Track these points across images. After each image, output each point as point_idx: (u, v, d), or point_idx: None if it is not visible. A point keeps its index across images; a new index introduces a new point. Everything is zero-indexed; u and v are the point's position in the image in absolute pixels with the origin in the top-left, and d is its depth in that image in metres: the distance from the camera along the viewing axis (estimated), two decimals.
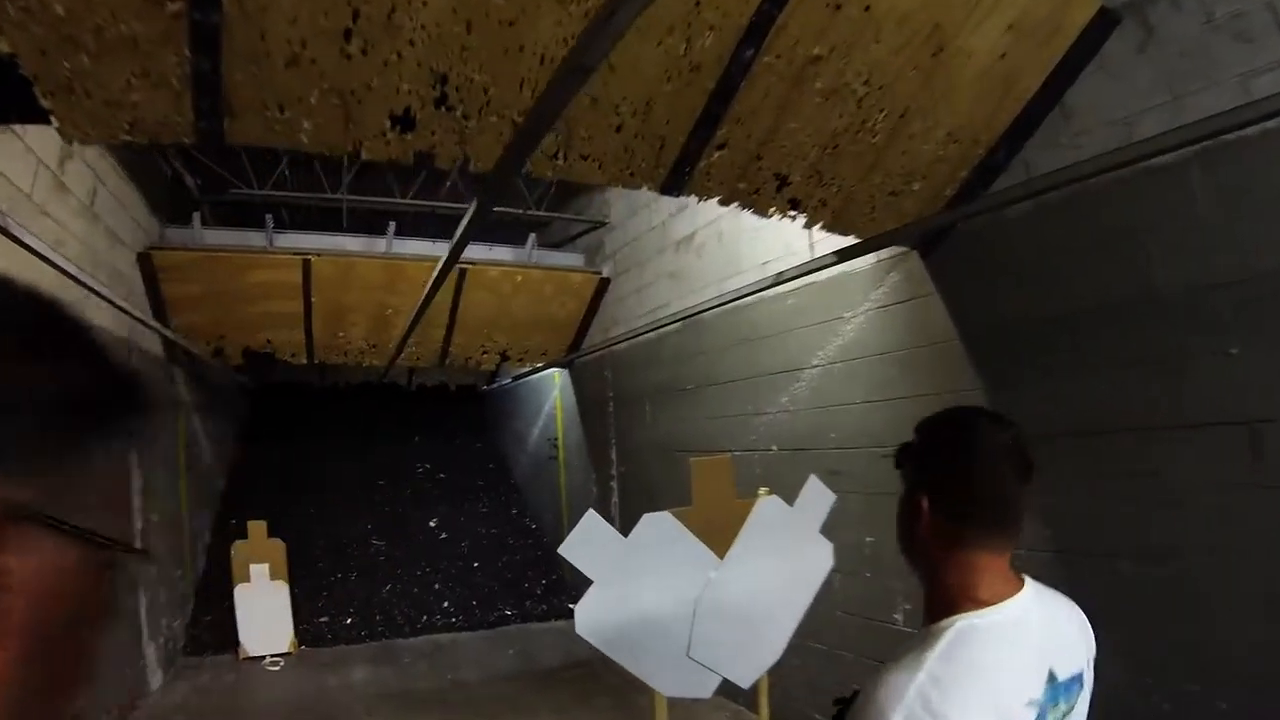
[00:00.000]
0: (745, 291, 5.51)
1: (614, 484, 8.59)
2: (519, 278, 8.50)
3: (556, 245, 9.94)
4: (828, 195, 3.63)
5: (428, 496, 11.80)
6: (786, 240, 5.52)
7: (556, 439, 10.35)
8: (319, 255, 7.84)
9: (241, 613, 8.16)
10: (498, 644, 8.52)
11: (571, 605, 3.65)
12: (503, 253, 8.74)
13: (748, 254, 6.07)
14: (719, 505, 3.78)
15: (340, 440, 12.59)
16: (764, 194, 3.57)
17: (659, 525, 3.68)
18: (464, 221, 4.00)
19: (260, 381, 12.32)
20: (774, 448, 5.79)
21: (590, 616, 3.44)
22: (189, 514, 8.96)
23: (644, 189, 3.47)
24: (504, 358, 9.42)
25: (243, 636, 8.13)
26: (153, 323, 6.45)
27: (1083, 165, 3.20)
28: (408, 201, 8.45)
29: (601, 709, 6.23)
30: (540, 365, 9.78)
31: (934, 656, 1.30)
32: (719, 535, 3.69)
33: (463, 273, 8.09)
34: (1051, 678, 1.37)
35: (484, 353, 9.25)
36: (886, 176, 3.60)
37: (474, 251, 8.42)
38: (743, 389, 6.18)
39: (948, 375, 4.26)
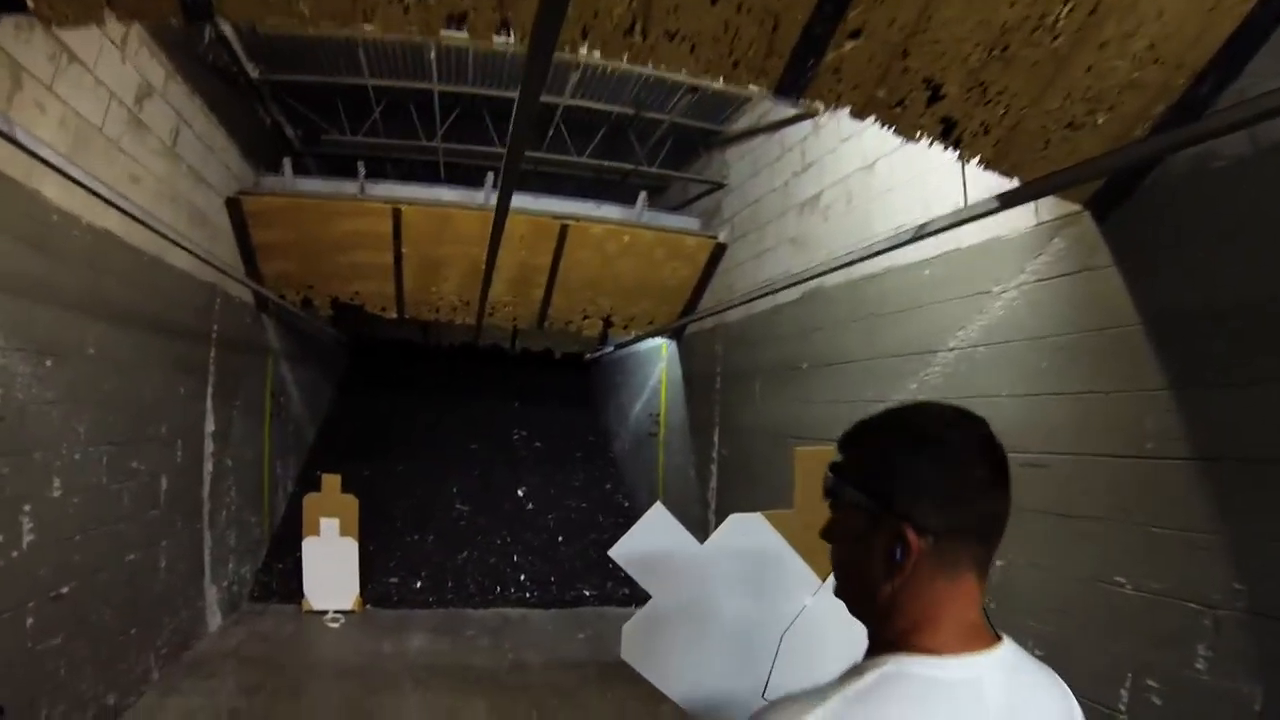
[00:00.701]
0: (874, 250, 4.56)
1: (713, 468, 7.80)
2: (626, 238, 7.79)
3: (674, 209, 9.13)
4: (991, 118, 2.76)
5: (520, 464, 11.25)
6: (926, 200, 4.59)
7: (659, 415, 9.68)
8: (411, 205, 7.34)
9: (308, 566, 7.88)
10: (570, 625, 7.92)
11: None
12: (610, 211, 8.02)
13: (880, 216, 5.15)
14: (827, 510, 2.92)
15: (437, 400, 12.16)
16: (910, 107, 2.73)
17: (747, 529, 2.95)
18: (512, 124, 3.12)
19: (359, 336, 12.06)
20: None
21: (641, 640, 2.72)
22: (272, 461, 8.67)
23: (754, 89, 2.66)
24: (608, 324, 8.70)
25: (307, 589, 7.85)
26: (226, 268, 6.05)
27: None
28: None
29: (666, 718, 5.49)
30: (646, 333, 9.01)
31: (844, 694, 1.10)
32: (824, 548, 2.84)
33: (564, 229, 7.47)
34: None
35: (585, 317, 8.56)
36: (1066, 100, 2.69)
37: (579, 207, 7.79)
38: (865, 371, 5.30)
39: (1124, 369, 3.31)
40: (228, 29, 6.13)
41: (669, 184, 9.52)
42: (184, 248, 5.22)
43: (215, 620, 7.07)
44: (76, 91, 4.45)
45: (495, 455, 11.36)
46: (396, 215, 7.30)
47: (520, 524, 9.98)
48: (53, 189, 4.28)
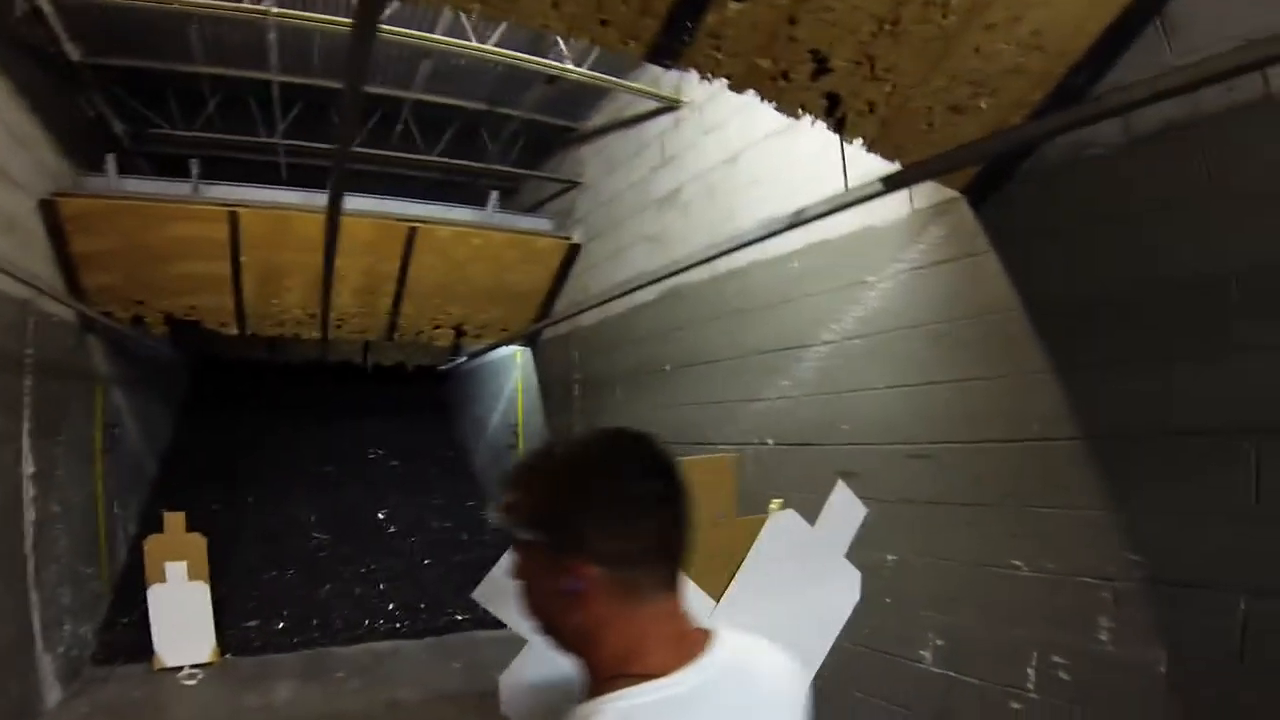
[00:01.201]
0: (744, 241, 4.45)
1: None
2: (477, 241, 7.47)
3: (528, 211, 8.81)
4: (878, 96, 2.64)
5: (379, 485, 10.68)
6: (793, 191, 4.44)
7: (516, 425, 9.42)
8: (249, 208, 6.78)
9: (156, 617, 7.03)
10: (443, 655, 7.47)
11: None
12: (460, 213, 7.67)
13: (744, 210, 5.06)
14: (715, 524, 2.67)
15: (288, 423, 11.44)
16: (795, 80, 2.57)
17: None
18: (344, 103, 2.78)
19: (200, 356, 11.26)
20: (769, 441, 4.80)
21: (520, 693, 2.51)
22: (107, 502, 7.91)
23: (625, 52, 2.43)
24: (460, 333, 8.35)
25: (157, 644, 6.94)
26: (40, 282, 5.43)
27: (1207, 65, 2.17)
28: (355, 150, 7.26)
29: None
30: (498, 341, 8.76)
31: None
32: (715, 565, 2.66)
33: (411, 233, 7.09)
34: None
35: (436, 326, 8.18)
36: (951, 80, 2.60)
37: (427, 209, 7.42)
38: (731, 370, 5.20)
39: (1004, 354, 3.30)
40: (45, 2, 5.36)
41: (522, 184, 9.22)
42: None
43: (54, 694, 6.14)
44: None
45: (351, 477, 10.75)
46: (234, 219, 6.73)
47: (383, 549, 9.45)
48: None
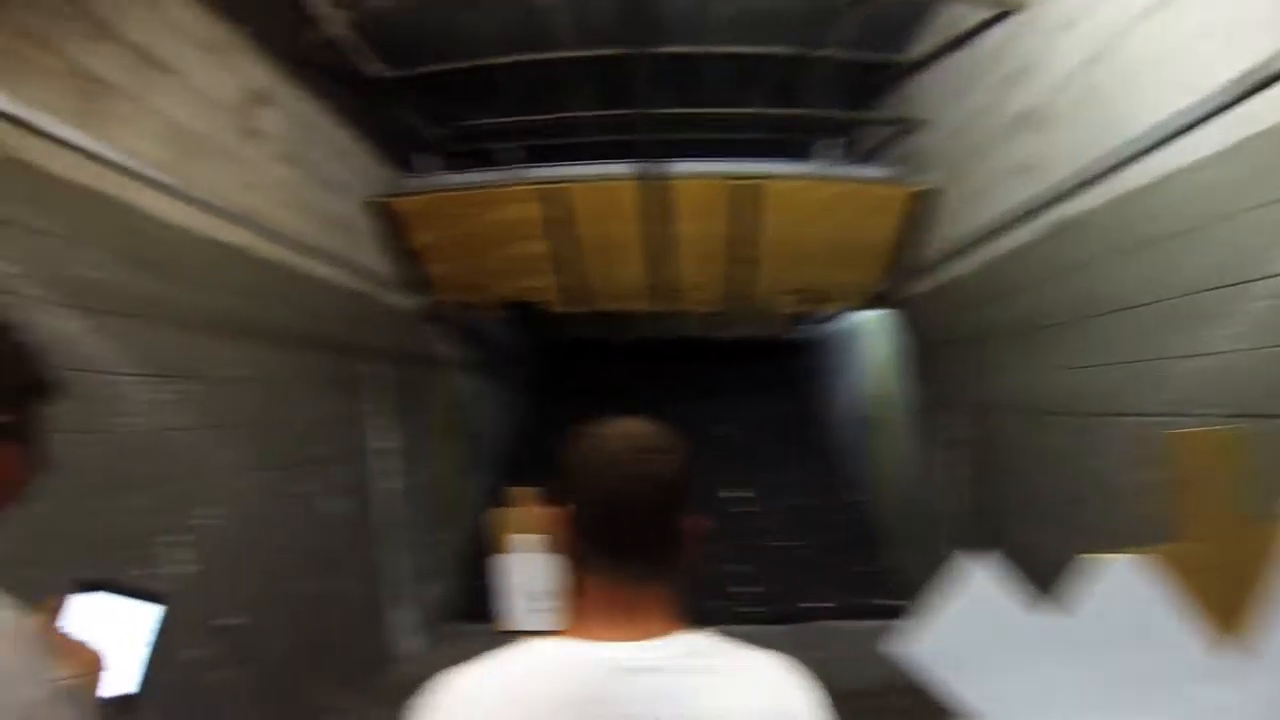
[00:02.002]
0: (1141, 147, 3.33)
1: (947, 456, 6.52)
2: (821, 194, 6.61)
3: (862, 160, 7.72)
4: None
5: (730, 464, 10.16)
6: (1188, 83, 3.12)
7: (875, 397, 8.51)
8: (572, 184, 6.52)
9: (499, 586, 7.18)
10: (800, 645, 6.72)
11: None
12: (796, 167, 6.84)
13: (1145, 108, 3.59)
14: (1220, 535, 1.72)
15: (632, 402, 11.19)
16: None
17: (1119, 584, 1.76)
18: None
19: (542, 340, 11.50)
20: (1209, 413, 3.40)
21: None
22: (458, 478, 8.15)
23: None
24: (806, 299, 7.60)
25: (500, 609, 7.11)
26: (377, 275, 5.52)
27: None
28: (671, 112, 6.67)
29: None
30: (849, 305, 7.93)
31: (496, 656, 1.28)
32: (1222, 597, 1.71)
33: (750, 192, 6.44)
34: None
35: (784, 292, 7.47)
36: None
37: (761, 166, 6.72)
38: (1144, 320, 3.84)
39: None
40: (341, 28, 5.45)
41: (852, 132, 8.05)
42: (330, 254, 4.75)
43: (404, 645, 6.56)
44: (171, 101, 3.97)
45: (702, 456, 10.16)
46: (557, 196, 6.52)
47: (739, 529, 8.96)
48: (156, 203, 3.76)
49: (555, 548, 1.33)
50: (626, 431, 1.32)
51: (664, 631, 1.24)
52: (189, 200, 3.71)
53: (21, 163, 2.99)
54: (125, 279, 3.56)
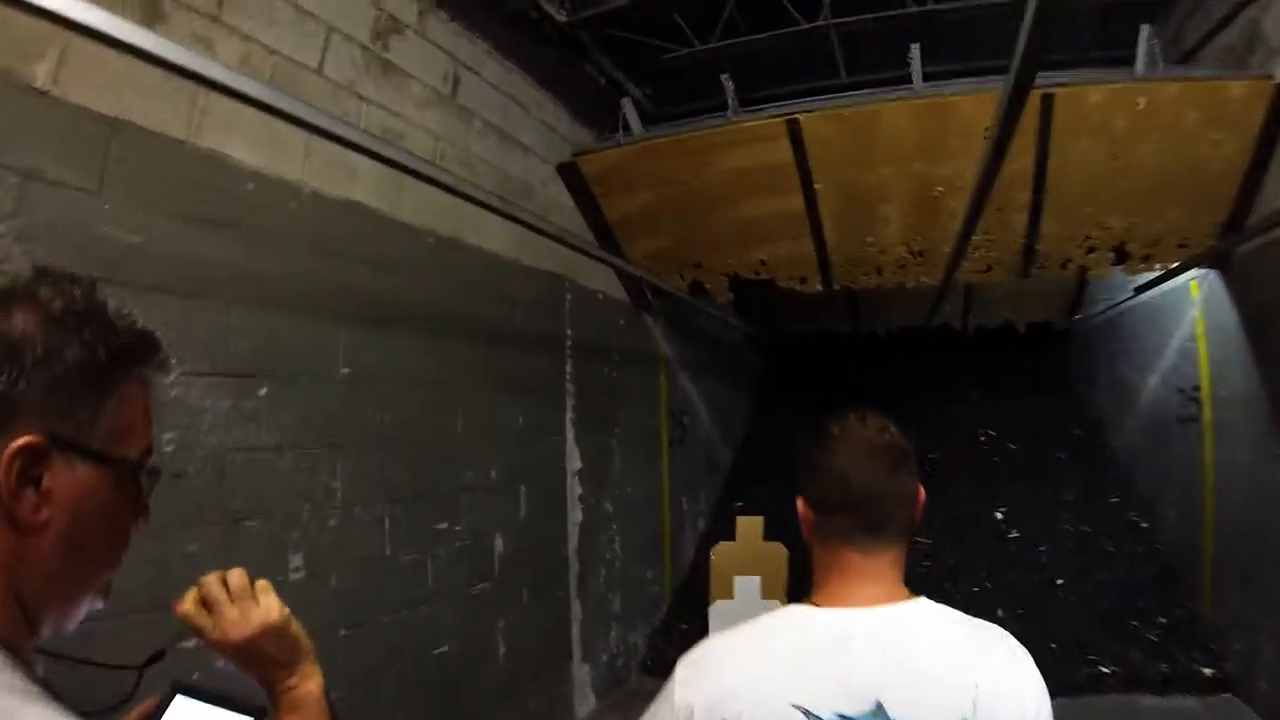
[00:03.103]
0: None
1: None
2: (1141, 102, 4.59)
3: (1184, 59, 5.35)
4: None
5: (992, 475, 8.30)
6: None
7: (1198, 387, 6.43)
8: (812, 113, 4.89)
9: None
10: None
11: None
12: (1106, 72, 4.92)
13: None
14: None
15: (877, 405, 9.33)
16: None
17: None
18: None
19: (775, 335, 10.00)
20: None
21: None
22: (674, 498, 6.93)
23: None
24: (1121, 254, 5.45)
25: None
26: (579, 243, 4.38)
27: None
28: (932, 7, 4.93)
29: None
30: (1177, 262, 5.71)
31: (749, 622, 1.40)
32: None
33: (1047, 103, 4.50)
34: (879, 710, 1.22)
35: (1089, 249, 5.42)
36: None
37: (1057, 74, 4.72)
38: None
39: None
40: None
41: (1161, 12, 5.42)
42: (509, 216, 3.59)
43: (588, 704, 5.35)
44: (263, 25, 2.93)
45: (959, 466, 8.45)
46: (795, 132, 4.91)
47: (1002, 561, 7.14)
48: (243, 149, 2.79)
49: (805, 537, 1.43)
50: (864, 420, 1.41)
51: (899, 597, 1.33)
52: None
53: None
54: (193, 245, 2.62)
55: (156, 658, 1.18)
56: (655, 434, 6.52)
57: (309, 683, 1.19)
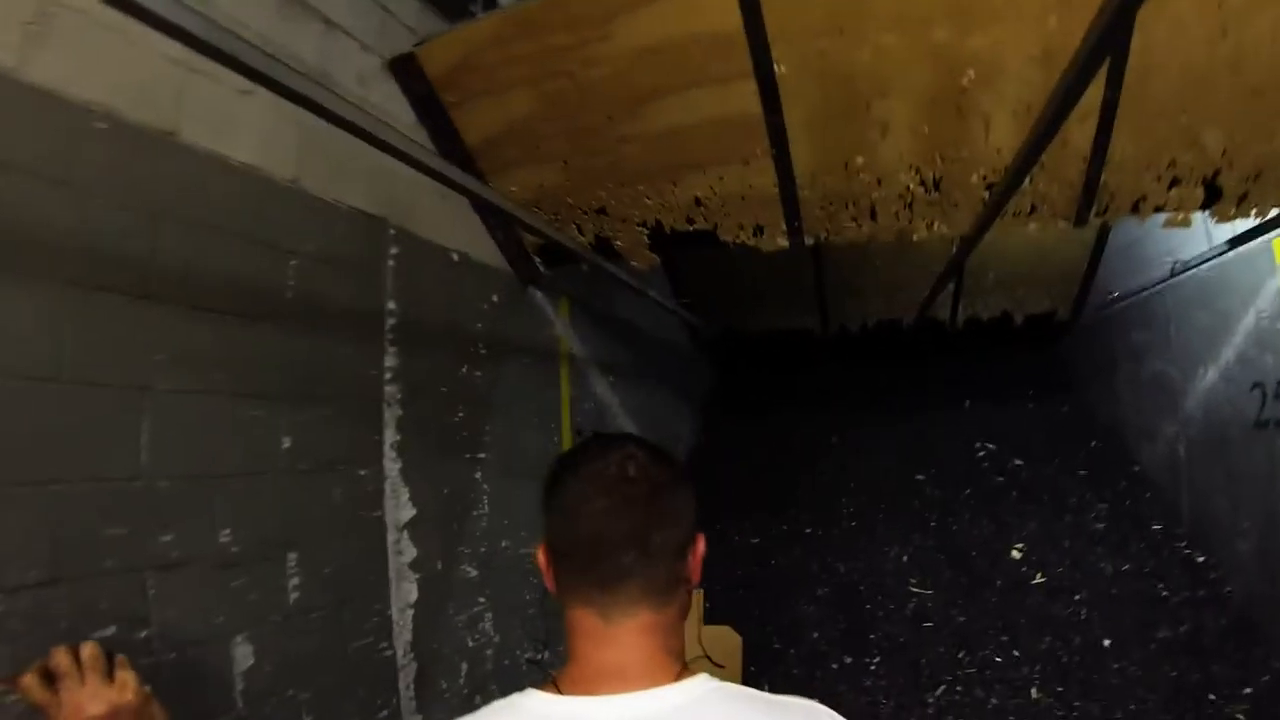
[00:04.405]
0: None
1: None
2: None
3: None
4: None
5: (999, 501, 6.45)
6: None
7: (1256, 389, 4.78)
8: None
9: None
10: None
11: None
12: None
13: None
14: None
15: (855, 418, 7.67)
16: None
17: None
18: None
19: (727, 329, 8.12)
20: None
21: None
22: None
23: None
24: (1212, 189, 3.54)
25: None
26: (420, 152, 2.47)
27: None
28: None
29: None
30: (1270, 215, 3.85)
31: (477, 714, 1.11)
32: None
33: None
34: None
35: (1171, 182, 3.48)
36: None
37: None
38: None
39: None
40: None
41: None
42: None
43: None
44: None
45: (956, 490, 6.67)
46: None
47: (1027, 618, 5.28)
48: None
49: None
50: (606, 447, 1.17)
51: (662, 678, 1.09)
52: None
53: None
54: None
55: None
56: (552, 458, 4.64)
57: None
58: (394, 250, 3.32)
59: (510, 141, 3.64)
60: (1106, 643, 5.05)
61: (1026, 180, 3.26)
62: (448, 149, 3.64)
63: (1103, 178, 3.45)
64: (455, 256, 3.76)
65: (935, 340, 7.95)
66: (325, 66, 3.00)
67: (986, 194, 3.45)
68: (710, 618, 5.42)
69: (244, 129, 2.55)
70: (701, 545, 1.21)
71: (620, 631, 1.09)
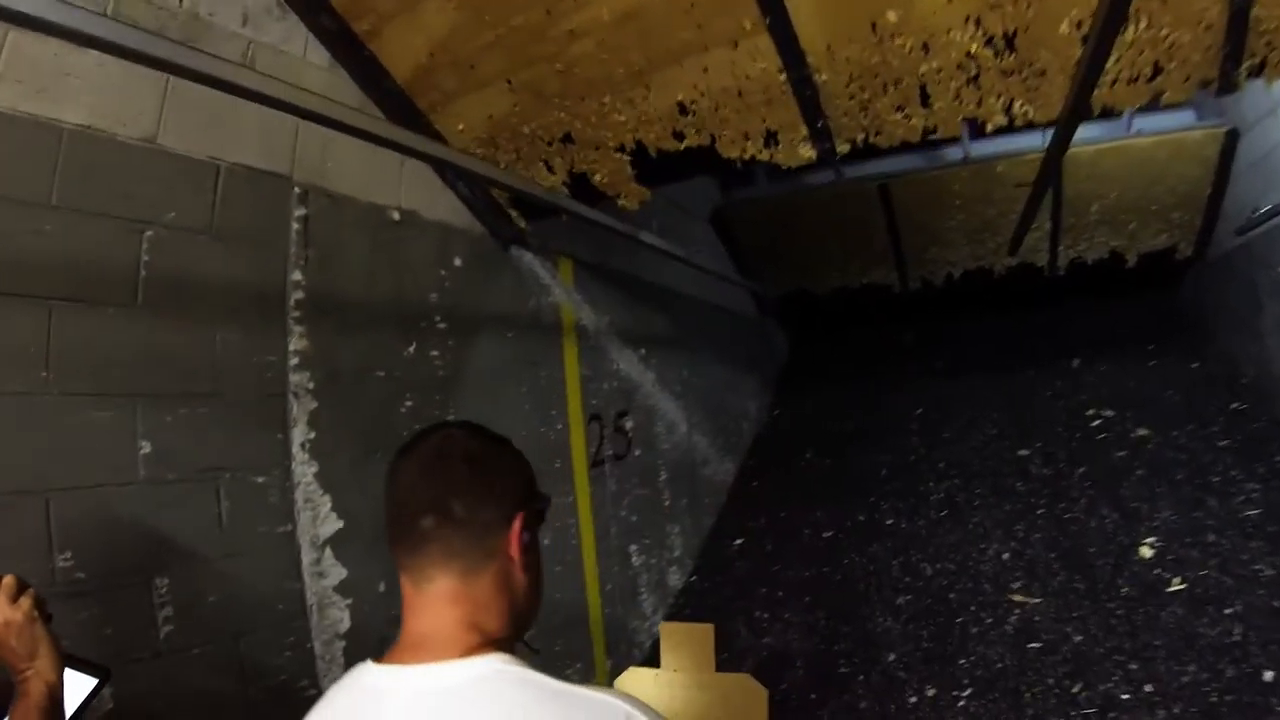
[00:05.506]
0: None
1: None
2: None
3: None
4: None
5: (1123, 482, 5.35)
6: None
7: None
8: None
9: None
10: None
11: None
12: None
13: None
14: None
15: (946, 386, 6.79)
16: None
17: None
18: None
19: (797, 290, 7.31)
20: None
21: None
22: (604, 548, 4.39)
23: None
24: None
25: None
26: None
27: None
28: None
29: None
30: None
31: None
32: None
33: None
34: None
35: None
36: None
37: None
38: None
39: None
40: None
41: None
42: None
43: None
44: None
45: (1067, 470, 5.64)
46: None
47: (1164, 636, 4.16)
48: None
49: None
50: (432, 429, 1.19)
51: (455, 650, 1.06)
52: None
53: None
54: None
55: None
56: (556, 451, 4.01)
57: (38, 680, 1.31)
58: (299, 212, 2.75)
59: (442, 67, 3.01)
60: (1269, 676, 3.84)
61: (1143, 21, 2.35)
62: (374, 90, 3.04)
63: (1251, 11, 2.47)
64: (395, 215, 3.17)
65: (1033, 289, 6.94)
66: (196, 7, 2.44)
67: (1083, 48, 2.53)
68: (765, 630, 4.72)
69: (79, 86, 2.05)
70: (518, 525, 1.14)
71: (427, 599, 1.09)
